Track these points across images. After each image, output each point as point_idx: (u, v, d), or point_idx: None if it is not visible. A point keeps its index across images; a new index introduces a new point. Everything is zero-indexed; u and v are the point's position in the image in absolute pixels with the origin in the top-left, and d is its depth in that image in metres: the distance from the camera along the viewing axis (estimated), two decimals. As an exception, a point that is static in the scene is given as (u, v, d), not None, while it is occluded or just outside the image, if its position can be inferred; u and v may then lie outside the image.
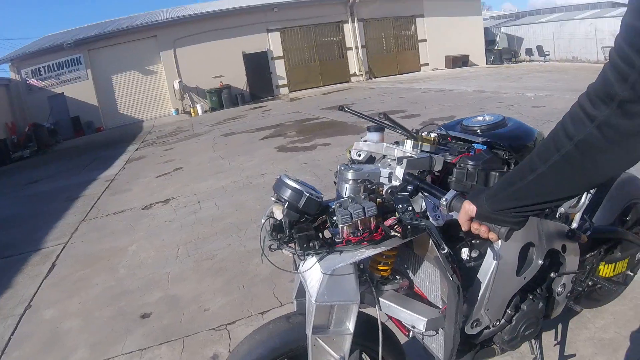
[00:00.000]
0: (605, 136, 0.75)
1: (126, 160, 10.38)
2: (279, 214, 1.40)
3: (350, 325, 1.44)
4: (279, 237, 1.38)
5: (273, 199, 1.41)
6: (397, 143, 1.67)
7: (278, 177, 1.43)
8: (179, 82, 18.91)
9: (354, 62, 21.76)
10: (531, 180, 0.91)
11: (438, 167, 1.47)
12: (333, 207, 1.34)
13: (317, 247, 1.31)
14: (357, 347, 1.61)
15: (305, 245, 1.31)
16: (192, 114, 18.51)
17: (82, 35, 19.21)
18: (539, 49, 23.34)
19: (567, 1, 27.58)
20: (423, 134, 1.65)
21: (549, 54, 22.98)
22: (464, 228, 1.13)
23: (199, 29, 19.08)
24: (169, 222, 5.33)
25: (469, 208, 1.07)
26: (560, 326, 2.34)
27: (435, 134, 1.70)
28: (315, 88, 20.72)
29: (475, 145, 1.61)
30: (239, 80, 19.79)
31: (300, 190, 1.33)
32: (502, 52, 24.38)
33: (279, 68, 20.74)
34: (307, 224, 1.36)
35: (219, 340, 2.82)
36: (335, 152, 7.32)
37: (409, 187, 1.30)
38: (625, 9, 0.70)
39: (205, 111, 18.71)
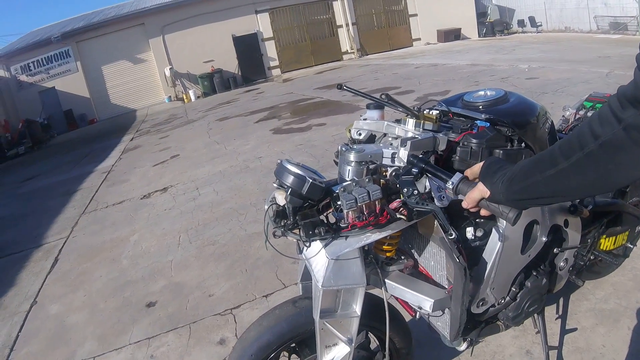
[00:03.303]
0: (631, 138, 0.75)
1: (122, 151, 10.30)
2: (281, 200, 1.37)
3: (357, 308, 1.44)
4: (282, 223, 1.37)
5: (275, 185, 1.38)
6: (398, 121, 1.63)
7: (279, 162, 1.39)
8: (170, 68, 18.67)
9: (345, 39, 21.47)
10: (551, 175, 0.90)
11: (442, 146, 1.45)
12: (337, 191, 1.32)
13: (322, 234, 1.29)
14: (363, 327, 1.61)
15: (310, 232, 1.29)
16: (185, 100, 18.33)
17: (69, 27, 18.84)
18: (531, 19, 23.03)
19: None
20: (425, 112, 1.62)
21: (541, 25, 22.68)
22: (467, 205, 1.13)
23: (186, 14, 18.73)
24: (169, 210, 5.32)
25: (483, 189, 1.08)
26: (561, 299, 2.36)
27: (437, 111, 1.67)
28: (307, 68, 20.51)
29: (478, 122, 1.59)
30: (230, 63, 19.53)
31: (303, 175, 1.31)
32: (494, 24, 24.03)
33: (270, 49, 20.46)
34: (311, 210, 1.35)
35: (225, 325, 2.84)
36: (331, 132, 7.28)
37: (414, 170, 1.28)
38: None
39: (198, 97, 18.54)
